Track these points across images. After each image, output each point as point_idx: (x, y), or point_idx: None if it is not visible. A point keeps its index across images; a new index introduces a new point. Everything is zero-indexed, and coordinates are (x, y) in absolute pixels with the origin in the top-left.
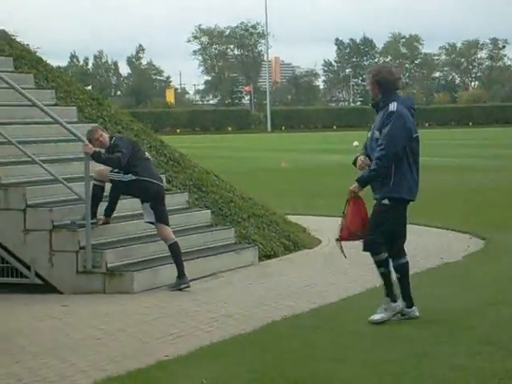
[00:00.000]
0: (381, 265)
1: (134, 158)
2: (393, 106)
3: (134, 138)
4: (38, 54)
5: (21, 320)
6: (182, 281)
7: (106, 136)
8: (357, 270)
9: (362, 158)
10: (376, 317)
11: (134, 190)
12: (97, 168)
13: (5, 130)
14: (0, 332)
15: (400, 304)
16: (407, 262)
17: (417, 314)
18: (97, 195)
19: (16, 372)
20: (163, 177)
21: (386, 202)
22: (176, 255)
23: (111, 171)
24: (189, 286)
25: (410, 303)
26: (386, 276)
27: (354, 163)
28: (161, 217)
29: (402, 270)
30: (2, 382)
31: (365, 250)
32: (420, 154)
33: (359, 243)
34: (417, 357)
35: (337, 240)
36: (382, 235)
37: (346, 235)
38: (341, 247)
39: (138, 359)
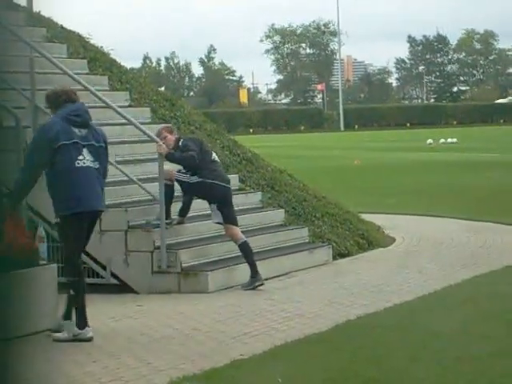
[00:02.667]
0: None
1: (200, 160)
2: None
3: (207, 139)
4: (111, 55)
5: (97, 320)
6: (256, 279)
7: (170, 138)
8: (432, 268)
9: None
10: (58, 335)
11: (199, 192)
12: (165, 168)
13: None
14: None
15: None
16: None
17: (89, 335)
18: (167, 195)
19: (93, 371)
20: (236, 177)
21: (56, 220)
22: (247, 254)
23: (178, 171)
24: (263, 284)
25: (83, 323)
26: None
27: None
28: (228, 217)
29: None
30: (79, 381)
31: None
32: (81, 163)
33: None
34: (494, 355)
35: None
36: (68, 253)
37: None
38: None
39: (214, 358)
